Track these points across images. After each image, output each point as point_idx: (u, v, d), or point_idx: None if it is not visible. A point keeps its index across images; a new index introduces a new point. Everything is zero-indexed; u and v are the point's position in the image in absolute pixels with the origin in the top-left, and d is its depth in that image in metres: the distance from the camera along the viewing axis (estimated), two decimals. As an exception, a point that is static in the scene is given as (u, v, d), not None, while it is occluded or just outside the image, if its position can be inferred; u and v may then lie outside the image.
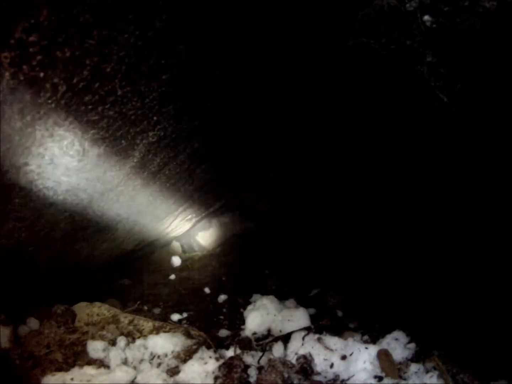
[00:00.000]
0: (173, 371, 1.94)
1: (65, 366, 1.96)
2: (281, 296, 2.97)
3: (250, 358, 2.09)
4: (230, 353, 2.15)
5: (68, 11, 1.06)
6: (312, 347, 2.06)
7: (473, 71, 1.70)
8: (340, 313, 2.93)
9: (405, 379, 1.81)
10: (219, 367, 1.89)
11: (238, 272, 3.89)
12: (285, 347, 2.20)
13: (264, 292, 3.20)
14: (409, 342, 2.02)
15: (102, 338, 2.17)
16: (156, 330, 2.27)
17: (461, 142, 2.04)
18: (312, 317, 2.55)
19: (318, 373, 1.94)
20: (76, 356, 2.04)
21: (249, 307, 2.84)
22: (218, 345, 2.24)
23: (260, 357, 2.09)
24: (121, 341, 2.14)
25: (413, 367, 1.86)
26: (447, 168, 2.30)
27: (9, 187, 1.56)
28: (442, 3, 1.60)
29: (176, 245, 4.30)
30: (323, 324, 2.49)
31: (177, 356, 2.06)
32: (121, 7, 1.22)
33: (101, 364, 2.00)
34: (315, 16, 1.99)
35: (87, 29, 1.19)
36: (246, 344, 2.41)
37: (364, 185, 3.29)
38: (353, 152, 3.17)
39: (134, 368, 1.98)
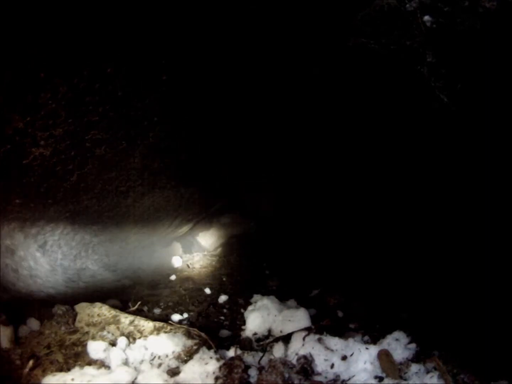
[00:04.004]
0: (174, 372, 1.94)
1: (66, 366, 1.96)
2: (282, 297, 2.96)
3: (250, 359, 2.09)
4: (230, 353, 2.14)
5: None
6: (313, 347, 2.06)
7: (473, 71, 1.70)
8: (340, 314, 2.93)
9: (405, 380, 1.81)
10: (220, 367, 1.89)
11: (238, 273, 3.89)
12: (286, 348, 2.20)
13: (265, 293, 3.19)
14: (409, 343, 2.01)
15: (102, 338, 2.17)
16: (157, 331, 2.27)
17: (461, 142, 2.04)
18: (312, 318, 2.55)
19: (319, 374, 1.94)
20: (76, 357, 2.05)
21: (250, 308, 2.84)
22: (218, 345, 2.24)
23: (261, 358, 2.09)
24: (122, 341, 2.14)
25: (414, 367, 1.86)
26: (447, 167, 2.30)
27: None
28: (442, 3, 1.60)
29: (176, 245, 4.30)
30: (324, 325, 2.49)
31: (177, 357, 2.06)
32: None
33: (102, 364, 2.00)
34: (315, 16, 1.99)
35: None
36: (247, 345, 2.40)
37: (364, 186, 3.29)
38: (352, 153, 3.17)
39: (135, 368, 1.98)
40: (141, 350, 2.10)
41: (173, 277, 3.68)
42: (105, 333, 2.22)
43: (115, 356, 2.01)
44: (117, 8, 1.53)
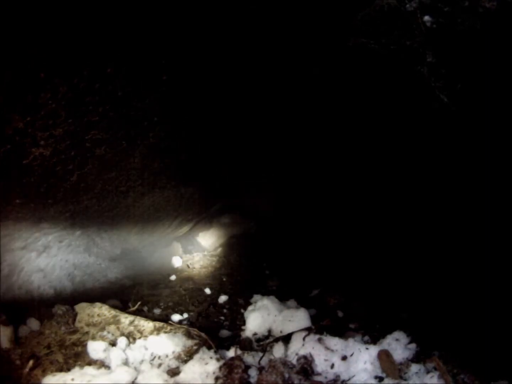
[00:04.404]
0: (174, 372, 1.94)
1: (66, 366, 1.96)
2: (282, 297, 2.96)
3: (250, 359, 2.09)
4: (230, 353, 2.14)
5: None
6: (313, 347, 2.06)
7: (473, 71, 1.70)
8: (340, 314, 2.93)
9: (405, 380, 1.81)
10: (220, 367, 1.89)
11: (238, 273, 3.89)
12: (286, 348, 2.20)
13: (265, 293, 3.19)
14: (409, 343, 2.01)
15: (102, 338, 2.17)
16: (157, 331, 2.27)
17: (461, 142, 2.04)
18: (312, 318, 2.55)
19: (319, 374, 1.93)
20: (76, 357, 2.05)
21: (250, 308, 2.84)
22: (218, 345, 2.24)
23: (261, 358, 2.09)
24: (122, 341, 2.14)
25: (414, 367, 1.86)
26: (447, 167, 2.30)
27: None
28: (442, 3, 1.60)
29: (176, 245, 4.30)
30: (324, 325, 2.49)
31: (177, 357, 2.06)
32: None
33: (102, 364, 2.00)
34: (315, 16, 1.99)
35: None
36: (247, 345, 2.40)
37: (364, 186, 3.29)
38: (352, 153, 3.16)
39: (135, 368, 1.98)
40: (141, 350, 2.10)
41: (173, 277, 3.67)
42: (105, 333, 2.22)
43: (115, 356, 2.02)
44: (117, 8, 1.53)
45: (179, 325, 2.42)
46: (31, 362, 1.93)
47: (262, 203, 4.69)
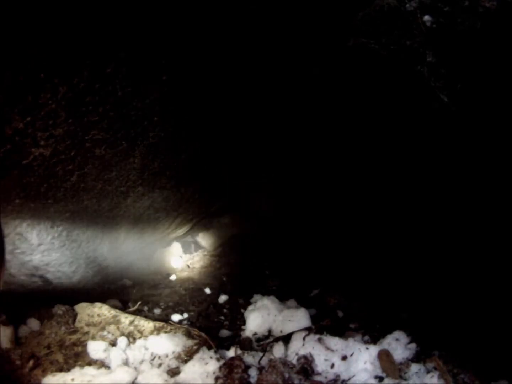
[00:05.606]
0: (174, 372, 1.94)
1: (66, 366, 1.97)
2: (282, 297, 2.96)
3: (250, 359, 2.09)
4: (230, 353, 2.15)
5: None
6: (313, 347, 2.06)
7: (473, 71, 1.70)
8: (340, 314, 2.93)
9: (405, 379, 1.81)
10: (220, 367, 1.89)
11: (238, 273, 3.89)
12: (286, 348, 2.20)
13: (265, 293, 3.19)
14: (409, 342, 2.01)
15: (102, 338, 2.17)
16: (157, 331, 2.27)
17: (461, 142, 2.04)
18: (312, 318, 2.55)
19: (319, 373, 1.94)
20: (76, 357, 2.05)
21: (250, 308, 2.84)
22: (218, 345, 2.24)
23: (261, 358, 2.09)
24: (122, 341, 2.14)
25: (414, 367, 1.86)
26: (447, 167, 2.30)
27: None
28: (442, 3, 1.60)
29: (176, 245, 4.30)
30: (324, 325, 2.49)
31: (177, 357, 2.06)
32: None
33: (102, 364, 2.00)
34: (315, 16, 1.99)
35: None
36: (247, 345, 2.41)
37: (364, 186, 3.29)
38: (352, 153, 3.17)
39: (135, 368, 1.98)
40: (141, 350, 2.10)
41: (173, 277, 3.68)
42: (105, 333, 2.22)
43: (115, 356, 2.02)
44: (117, 8, 1.53)
45: (179, 325, 2.42)
46: (31, 362, 1.93)
47: (262, 203, 4.69)
